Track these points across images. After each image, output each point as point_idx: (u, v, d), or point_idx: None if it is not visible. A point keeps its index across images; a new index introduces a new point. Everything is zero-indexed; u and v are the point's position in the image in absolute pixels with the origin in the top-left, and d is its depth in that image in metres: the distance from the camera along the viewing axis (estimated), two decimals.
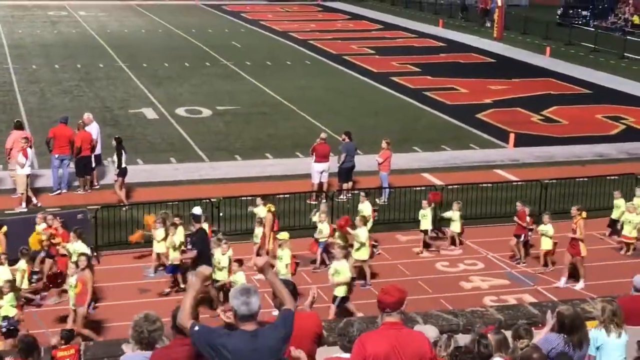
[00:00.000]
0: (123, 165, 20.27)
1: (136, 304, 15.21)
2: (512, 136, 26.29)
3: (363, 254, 16.41)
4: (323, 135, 21.95)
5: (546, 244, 17.34)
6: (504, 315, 11.04)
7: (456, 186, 20.64)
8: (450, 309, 12.36)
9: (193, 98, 31.54)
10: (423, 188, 20.71)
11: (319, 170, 21.08)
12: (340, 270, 14.70)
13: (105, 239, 17.73)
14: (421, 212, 18.26)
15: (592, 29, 48.53)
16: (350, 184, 21.45)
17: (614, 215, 19.23)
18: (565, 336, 8.32)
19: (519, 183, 21.20)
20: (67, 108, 28.56)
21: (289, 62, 39.62)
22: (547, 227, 17.28)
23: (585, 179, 21.29)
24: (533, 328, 9.12)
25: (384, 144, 21.24)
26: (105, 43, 43.09)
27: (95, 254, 17.21)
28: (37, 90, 31.85)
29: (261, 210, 17.39)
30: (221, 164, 23.93)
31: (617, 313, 8.86)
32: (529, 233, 17.71)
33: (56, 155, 21.03)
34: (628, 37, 44.53)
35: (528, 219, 17.63)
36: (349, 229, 16.62)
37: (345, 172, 21.31)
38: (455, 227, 18.45)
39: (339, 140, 22.07)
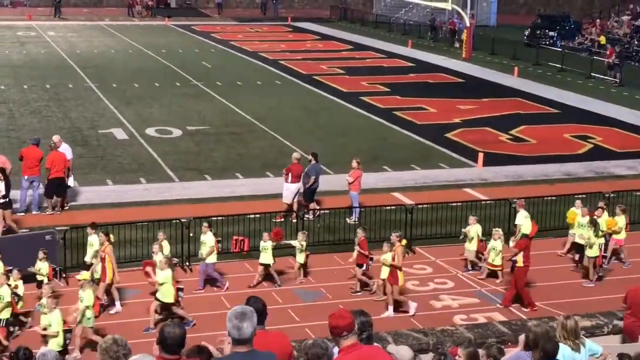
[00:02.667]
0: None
1: (103, 326, 15.08)
2: (481, 155, 26.49)
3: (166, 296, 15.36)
4: (297, 155, 21.98)
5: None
6: (474, 334, 11.13)
7: (426, 205, 20.74)
8: (420, 328, 12.43)
9: (163, 118, 31.46)
10: (393, 207, 20.81)
11: (294, 191, 21.10)
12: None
13: (74, 261, 17.58)
14: (262, 244, 17.38)
15: (560, 49, 49.10)
16: (314, 204, 21.49)
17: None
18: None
19: (488, 202, 21.35)
20: (36, 128, 28.39)
21: (259, 82, 39.69)
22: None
23: (554, 198, 21.49)
24: (507, 345, 9.22)
25: (354, 164, 21.31)
26: (74, 63, 42.90)
27: (64, 275, 17.11)
28: (6, 111, 31.61)
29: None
30: (191, 184, 23.87)
31: (574, 328, 8.95)
32: (370, 262, 17.15)
33: (25, 177, 20.88)
34: (595, 57, 45.10)
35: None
36: (149, 270, 15.71)
37: (311, 193, 21.36)
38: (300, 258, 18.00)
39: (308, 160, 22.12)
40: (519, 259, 16.41)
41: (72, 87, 36.86)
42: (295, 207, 21.08)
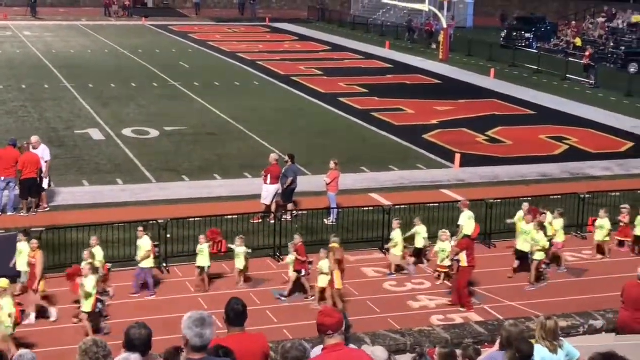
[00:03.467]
0: None
1: (78, 328, 15.02)
2: (457, 156, 26.62)
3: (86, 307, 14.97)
4: (275, 156, 21.98)
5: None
6: (451, 335, 11.19)
7: (403, 206, 20.82)
8: (397, 329, 12.47)
9: (140, 119, 31.36)
10: (371, 208, 20.87)
11: (273, 192, 21.10)
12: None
13: (50, 262, 17.46)
14: (198, 247, 17.17)
15: (535, 51, 49.46)
16: (292, 204, 21.52)
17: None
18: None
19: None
20: (12, 129, 28.20)
21: (237, 82, 39.64)
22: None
23: (530, 199, 21.62)
24: (484, 345, 9.27)
25: (332, 165, 21.34)
26: (50, 63, 42.65)
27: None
28: None
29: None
30: (169, 185, 23.81)
31: (553, 329, 9.01)
32: (309, 267, 16.96)
33: (2, 178, 20.79)
34: (570, 59, 45.45)
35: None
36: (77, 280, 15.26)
37: (290, 193, 21.38)
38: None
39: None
40: (462, 258, 16.49)
41: (48, 87, 36.64)
42: (273, 208, 21.09)
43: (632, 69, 44.60)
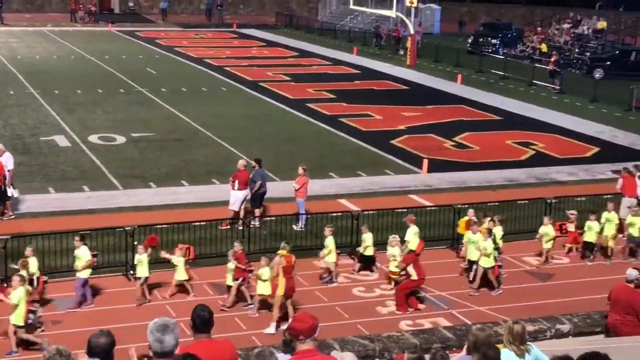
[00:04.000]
0: None
1: (49, 335, 14.85)
2: (425, 162, 26.72)
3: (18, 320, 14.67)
4: (243, 162, 21.90)
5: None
6: (420, 340, 11.21)
7: (372, 212, 20.85)
8: (366, 335, 12.47)
9: (107, 125, 31.12)
10: (340, 214, 20.87)
11: (241, 198, 21.03)
12: None
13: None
14: (137, 257, 16.79)
15: (502, 57, 49.85)
16: (262, 209, 21.48)
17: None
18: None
19: (432, 208, 21.54)
20: None
21: (204, 88, 39.51)
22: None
23: (497, 204, 21.76)
24: (452, 350, 9.29)
25: (300, 170, 21.33)
26: (15, 69, 42.21)
27: (4, 285, 16.78)
28: None
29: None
30: (136, 191, 23.64)
31: (520, 333, 9.05)
32: (249, 275, 16.80)
33: None
34: (536, 65, 45.85)
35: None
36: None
37: (259, 197, 21.33)
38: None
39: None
40: (412, 272, 16.63)
41: (13, 93, 36.26)
42: (242, 214, 21.02)
43: (597, 74, 45.10)
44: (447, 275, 18.46)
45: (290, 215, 20.98)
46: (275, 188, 22.82)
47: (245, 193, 21.08)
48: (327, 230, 18.27)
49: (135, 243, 18.09)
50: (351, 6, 56.32)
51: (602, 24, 55.55)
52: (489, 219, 18.76)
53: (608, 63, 46.60)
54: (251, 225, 19.98)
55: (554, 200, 21.76)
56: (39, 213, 21.37)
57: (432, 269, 18.36)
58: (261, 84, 40.96)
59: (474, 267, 18.00)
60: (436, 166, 26.80)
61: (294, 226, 20.82)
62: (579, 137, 32.08)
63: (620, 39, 54.57)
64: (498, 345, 8.62)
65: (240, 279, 16.65)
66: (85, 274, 16.40)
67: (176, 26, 66.12)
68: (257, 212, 21.27)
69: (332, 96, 38.43)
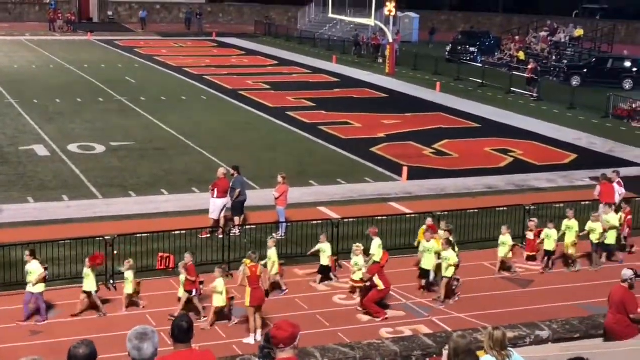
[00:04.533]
0: None
1: (25, 347, 14.78)
2: (405, 169, 26.82)
3: None
4: (223, 170, 21.91)
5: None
6: (400, 347, 11.22)
7: (352, 219, 20.89)
8: (347, 342, 12.48)
9: (86, 134, 31.02)
10: (320, 222, 20.91)
11: (221, 206, 21.03)
12: None
13: None
14: (84, 270, 16.56)
15: (480, 65, 50.15)
16: (243, 217, 21.47)
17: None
18: None
19: (412, 215, 21.61)
20: None
21: (184, 97, 39.47)
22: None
23: (476, 211, 21.87)
24: (432, 357, 9.32)
25: (280, 179, 21.36)
26: None
27: None
28: None
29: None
30: (115, 200, 23.57)
31: (501, 339, 9.10)
32: (201, 287, 16.59)
33: None
34: (514, 73, 46.15)
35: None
36: None
37: (240, 205, 21.34)
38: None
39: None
40: (378, 282, 16.74)
41: None
42: (222, 222, 21.01)
43: (575, 82, 45.43)
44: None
45: (271, 223, 20.99)
46: (256, 196, 22.84)
47: (225, 201, 21.08)
48: (270, 242, 18.12)
49: (115, 252, 18.06)
50: (330, 15, 56.47)
51: (579, 32, 55.96)
52: (444, 229, 18.83)
53: (585, 71, 46.97)
54: (231, 234, 19.97)
55: (532, 207, 21.89)
56: (18, 223, 21.26)
57: (412, 276, 18.46)
58: (241, 92, 40.98)
59: (432, 275, 18.13)
60: (416, 173, 26.90)
61: (274, 234, 20.79)
62: (557, 144, 32.30)
63: (597, 47, 55.00)
64: (479, 352, 8.67)
65: (194, 291, 16.50)
66: (38, 288, 16.12)
67: (155, 35, 66.02)
68: (237, 220, 21.27)
69: (312, 104, 38.50)
